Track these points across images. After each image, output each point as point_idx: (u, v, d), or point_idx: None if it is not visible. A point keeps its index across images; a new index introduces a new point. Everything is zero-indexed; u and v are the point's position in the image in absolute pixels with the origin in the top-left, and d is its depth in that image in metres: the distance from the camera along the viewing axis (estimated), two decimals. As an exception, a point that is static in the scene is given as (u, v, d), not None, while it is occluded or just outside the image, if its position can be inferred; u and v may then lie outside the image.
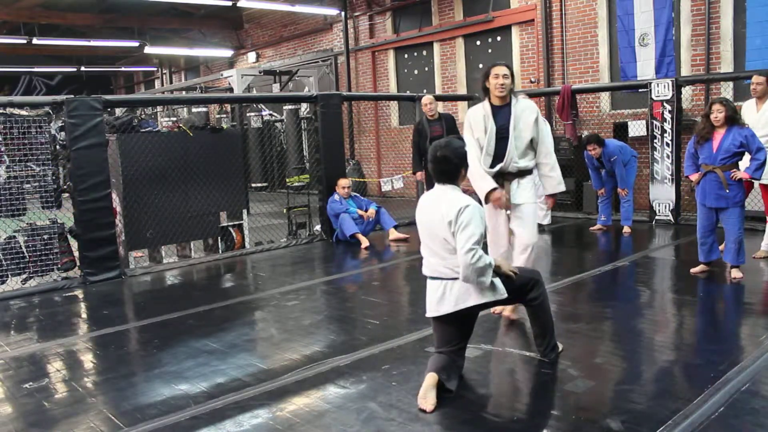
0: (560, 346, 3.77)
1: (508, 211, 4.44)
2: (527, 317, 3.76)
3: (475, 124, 4.42)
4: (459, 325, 3.43)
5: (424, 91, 11.91)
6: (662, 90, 8.11)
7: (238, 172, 7.79)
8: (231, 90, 14.98)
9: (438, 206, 3.32)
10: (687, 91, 8.72)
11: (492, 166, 4.36)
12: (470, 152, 3.85)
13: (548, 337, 3.67)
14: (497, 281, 3.37)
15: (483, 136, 4.35)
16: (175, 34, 18.51)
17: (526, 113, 4.35)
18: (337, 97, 8.53)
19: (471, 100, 10.40)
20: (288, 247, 7.93)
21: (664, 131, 8.12)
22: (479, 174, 4.29)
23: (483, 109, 4.40)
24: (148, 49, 17.18)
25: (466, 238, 3.18)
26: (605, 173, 7.64)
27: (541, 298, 3.59)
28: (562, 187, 4.54)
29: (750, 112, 6.18)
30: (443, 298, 3.35)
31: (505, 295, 3.40)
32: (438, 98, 7.76)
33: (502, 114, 4.34)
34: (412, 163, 8.13)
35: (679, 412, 2.95)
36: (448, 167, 3.36)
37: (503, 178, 4.38)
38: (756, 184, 6.06)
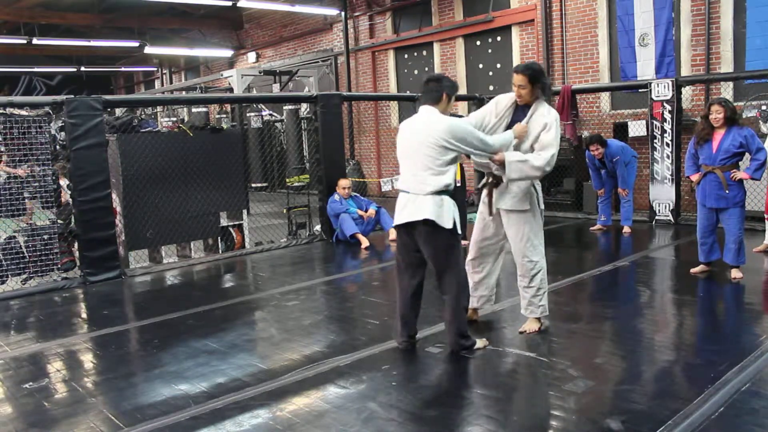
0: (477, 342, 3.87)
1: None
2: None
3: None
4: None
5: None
6: (662, 90, 8.11)
7: (238, 172, 7.78)
8: (231, 90, 14.98)
9: (420, 122, 3.71)
10: (687, 91, 8.72)
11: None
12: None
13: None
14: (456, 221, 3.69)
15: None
16: (175, 34, 18.51)
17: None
18: (337, 97, 8.52)
19: (471, 100, 10.39)
20: (288, 247, 7.92)
21: (664, 131, 8.12)
22: None
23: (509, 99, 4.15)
24: (148, 50, 17.16)
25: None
26: (605, 173, 7.64)
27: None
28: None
29: None
30: (404, 208, 3.73)
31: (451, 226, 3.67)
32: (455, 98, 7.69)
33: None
34: None
35: (679, 412, 2.95)
36: (436, 88, 3.75)
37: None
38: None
